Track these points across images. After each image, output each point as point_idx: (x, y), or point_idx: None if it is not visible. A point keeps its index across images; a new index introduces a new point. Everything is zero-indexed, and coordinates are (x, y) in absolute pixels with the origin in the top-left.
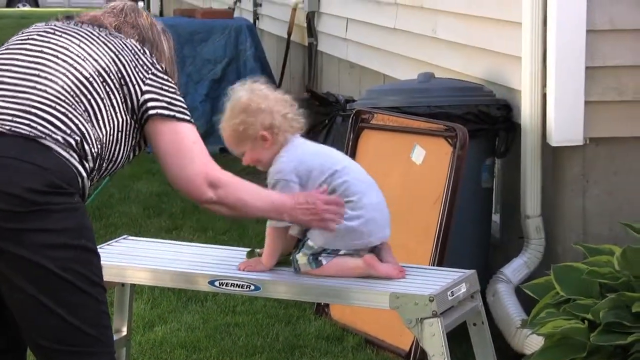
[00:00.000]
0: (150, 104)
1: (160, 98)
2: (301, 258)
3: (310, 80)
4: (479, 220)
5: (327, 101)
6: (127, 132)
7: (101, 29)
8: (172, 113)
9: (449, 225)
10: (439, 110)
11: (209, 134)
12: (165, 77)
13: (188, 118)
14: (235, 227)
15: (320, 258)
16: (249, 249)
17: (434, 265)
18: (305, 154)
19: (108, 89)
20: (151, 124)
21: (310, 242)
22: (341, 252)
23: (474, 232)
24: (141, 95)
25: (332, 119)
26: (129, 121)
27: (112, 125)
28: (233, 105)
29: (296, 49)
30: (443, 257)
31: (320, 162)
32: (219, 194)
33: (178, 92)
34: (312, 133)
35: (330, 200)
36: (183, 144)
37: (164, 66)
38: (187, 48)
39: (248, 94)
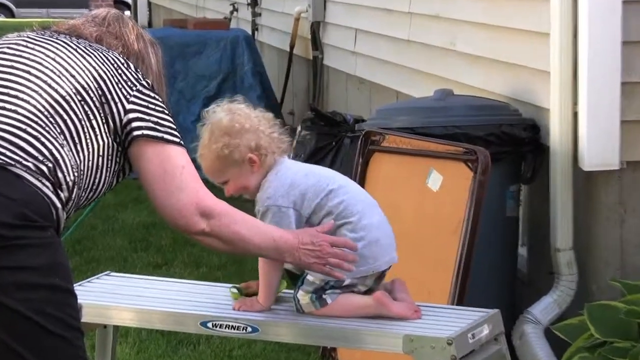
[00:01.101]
0: (135, 124)
1: (147, 117)
2: (303, 297)
3: (315, 97)
4: (504, 253)
5: (334, 121)
6: (109, 157)
7: (80, 40)
8: (159, 134)
9: (470, 259)
10: (457, 130)
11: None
12: (152, 94)
13: (178, 140)
14: (232, 262)
15: (324, 296)
16: (231, 288)
17: (452, 304)
18: (296, 176)
19: (87, 109)
20: (136, 146)
21: (310, 277)
22: (346, 282)
23: (498, 267)
24: (125, 115)
25: (339, 140)
26: (111, 144)
27: (91, 150)
28: (212, 129)
29: (299, 63)
30: (463, 295)
31: (313, 182)
32: (212, 226)
33: (167, 111)
34: (317, 156)
35: (339, 242)
36: (171, 169)
37: (150, 82)
38: (178, 62)
39: (228, 115)
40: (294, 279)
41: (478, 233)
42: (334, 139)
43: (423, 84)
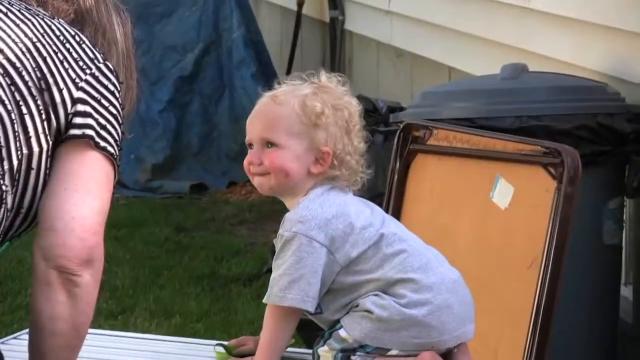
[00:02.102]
0: (77, 119)
1: (94, 114)
2: (325, 355)
3: None
4: (601, 297)
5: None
6: (47, 168)
7: (13, 1)
8: (101, 142)
9: (552, 305)
10: (535, 122)
11: (174, 164)
12: (112, 80)
13: (115, 156)
14: (217, 310)
15: (353, 358)
16: (216, 347)
17: None
18: (345, 208)
19: (18, 96)
20: (67, 147)
21: (343, 333)
22: (392, 353)
23: (593, 316)
24: (72, 106)
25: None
26: (49, 150)
27: (21, 157)
28: (325, 88)
29: (311, 28)
30: (543, 355)
31: (363, 222)
32: (88, 279)
33: (121, 112)
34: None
35: None
36: (94, 183)
37: (113, 64)
38: (138, 29)
39: (354, 101)
40: (310, 332)
41: (564, 269)
42: None
43: (486, 56)
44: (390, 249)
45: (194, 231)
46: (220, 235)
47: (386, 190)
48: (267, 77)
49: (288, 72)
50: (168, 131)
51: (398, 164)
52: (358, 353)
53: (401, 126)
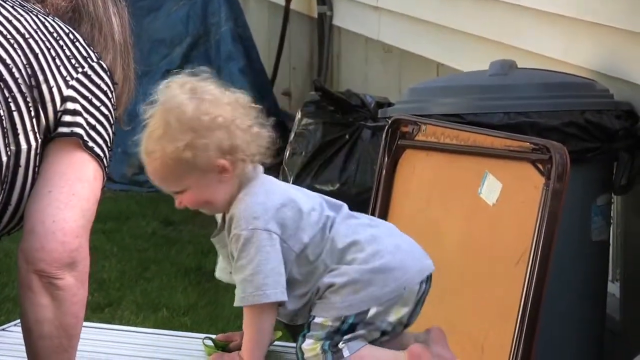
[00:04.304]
0: (66, 117)
1: (84, 114)
2: (311, 348)
3: (322, 71)
4: (588, 293)
5: (348, 105)
6: (35, 165)
7: None
8: (90, 143)
9: (539, 302)
10: (523, 119)
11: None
12: (105, 80)
13: (104, 159)
14: (204, 304)
15: (341, 345)
16: (205, 340)
17: None
18: (289, 192)
19: (7, 94)
20: (55, 146)
21: (318, 319)
22: (371, 312)
23: (580, 313)
24: (61, 104)
25: (355, 132)
26: (38, 147)
27: (10, 154)
28: (169, 118)
29: (300, 24)
30: (530, 351)
31: (306, 202)
32: (70, 281)
33: (113, 111)
34: (324, 154)
35: None
36: (79, 184)
37: (110, 60)
38: None
39: (193, 100)
40: (297, 327)
41: (551, 265)
42: (348, 130)
43: (475, 52)
44: (333, 230)
45: (181, 225)
46: (207, 229)
47: (374, 186)
48: (255, 72)
49: (275, 67)
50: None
51: (386, 159)
52: (346, 339)
53: (389, 122)
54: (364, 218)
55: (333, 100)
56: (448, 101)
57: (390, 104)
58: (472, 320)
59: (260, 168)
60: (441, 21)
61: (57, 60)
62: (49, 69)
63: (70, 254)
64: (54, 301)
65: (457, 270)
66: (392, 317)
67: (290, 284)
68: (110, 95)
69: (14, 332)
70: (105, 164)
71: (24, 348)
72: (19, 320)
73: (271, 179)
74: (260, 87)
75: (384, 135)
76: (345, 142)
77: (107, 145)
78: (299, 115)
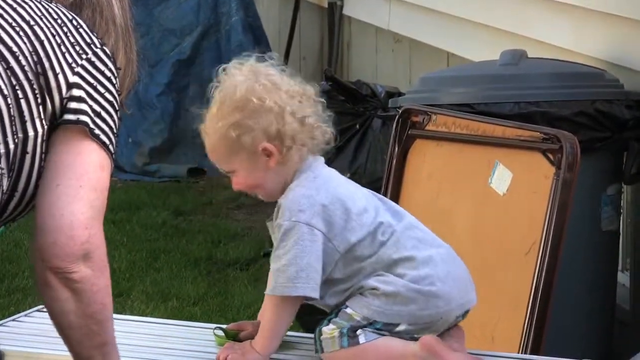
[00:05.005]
0: (72, 104)
1: (89, 101)
2: (331, 333)
3: (332, 61)
4: (598, 283)
5: (358, 94)
6: (42, 152)
7: None
8: (96, 130)
9: (549, 292)
10: (534, 108)
11: (172, 147)
12: (109, 66)
13: (110, 146)
14: (214, 294)
15: (359, 332)
16: (215, 330)
17: (526, 353)
18: (340, 190)
19: (15, 81)
20: (62, 135)
21: (349, 310)
22: (399, 328)
23: (590, 303)
24: (67, 91)
25: (365, 122)
26: (45, 134)
27: (17, 141)
28: (223, 97)
29: (310, 13)
30: (540, 341)
31: (358, 202)
32: (87, 273)
33: (117, 96)
34: (336, 143)
35: None
36: (86, 174)
37: (112, 44)
38: (137, 12)
39: (247, 81)
40: (308, 317)
41: (561, 255)
42: (359, 120)
43: (485, 42)
44: (386, 235)
45: (192, 215)
46: (217, 219)
47: (385, 175)
48: None
49: (286, 56)
50: (166, 115)
51: (397, 149)
52: (367, 329)
53: (400, 111)
54: (428, 234)
55: (343, 90)
56: (458, 91)
57: (400, 94)
58: (483, 309)
59: (321, 160)
60: (452, 11)
61: (62, 47)
62: (55, 56)
63: (82, 246)
64: (74, 294)
65: (467, 260)
66: (417, 335)
67: (332, 281)
68: (114, 81)
69: (25, 322)
70: (112, 151)
71: (34, 338)
72: (29, 311)
73: (331, 174)
74: None
75: (394, 125)
76: (355, 131)
77: (112, 131)
78: None
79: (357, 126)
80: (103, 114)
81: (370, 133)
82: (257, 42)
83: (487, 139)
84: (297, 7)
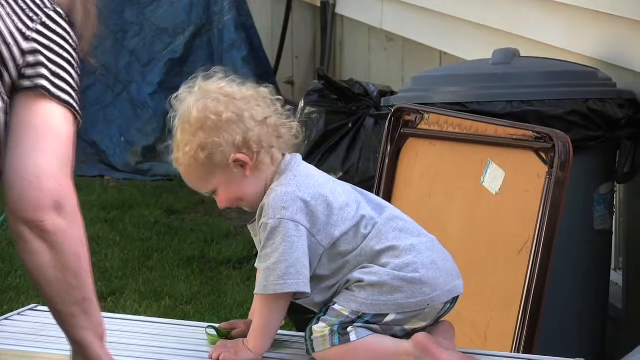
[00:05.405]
0: (28, 71)
1: (46, 63)
2: (321, 331)
3: (325, 60)
4: (590, 282)
5: (351, 93)
6: (6, 125)
7: None
8: (55, 91)
9: (542, 291)
10: (526, 107)
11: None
12: (62, 25)
13: (71, 102)
14: (207, 292)
15: (349, 329)
16: (208, 329)
17: (518, 352)
18: (321, 185)
19: None
20: (21, 99)
21: (337, 306)
22: (389, 318)
23: (582, 301)
24: (21, 59)
25: (358, 121)
26: (7, 107)
27: None
28: (182, 124)
29: (302, 12)
30: (533, 339)
31: (340, 197)
32: (57, 225)
33: (74, 52)
34: (327, 143)
35: None
36: (46, 128)
37: (63, 6)
38: (129, 11)
39: (199, 101)
40: (300, 315)
41: (554, 254)
42: (351, 119)
43: (478, 41)
44: (368, 228)
45: (184, 214)
46: (210, 218)
47: (377, 174)
48: (257, 61)
49: (278, 55)
50: (159, 114)
51: (389, 147)
52: (357, 324)
53: (392, 110)
54: (410, 224)
55: (336, 89)
56: (451, 90)
57: (393, 93)
58: (475, 308)
59: (298, 157)
60: (444, 10)
61: (13, 16)
62: (6, 27)
63: (51, 197)
64: (48, 245)
65: (460, 258)
66: (408, 327)
67: (318, 277)
68: (70, 40)
69: (18, 321)
70: (75, 107)
71: (27, 336)
72: (22, 309)
73: (309, 171)
74: (263, 75)
75: (386, 124)
76: (348, 130)
77: (73, 88)
78: (301, 104)
79: (350, 125)
80: (62, 73)
81: (363, 132)
82: (250, 41)
83: (480, 137)
84: (289, 6)
